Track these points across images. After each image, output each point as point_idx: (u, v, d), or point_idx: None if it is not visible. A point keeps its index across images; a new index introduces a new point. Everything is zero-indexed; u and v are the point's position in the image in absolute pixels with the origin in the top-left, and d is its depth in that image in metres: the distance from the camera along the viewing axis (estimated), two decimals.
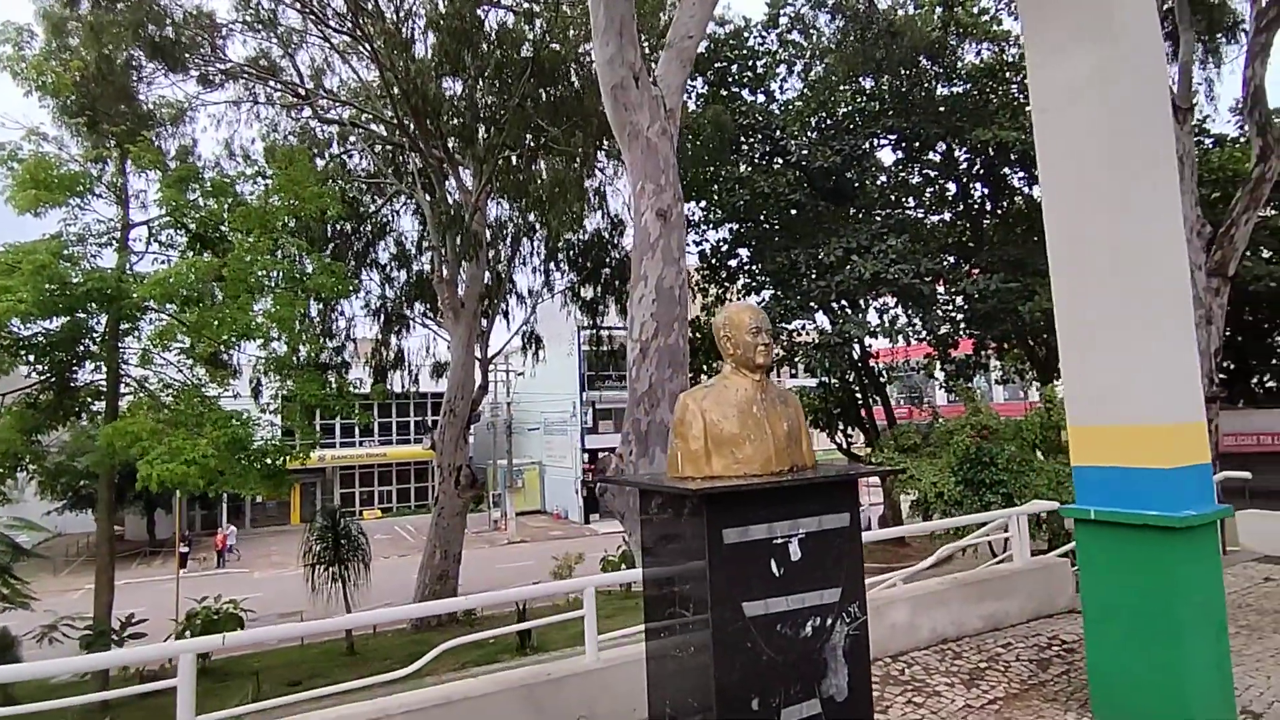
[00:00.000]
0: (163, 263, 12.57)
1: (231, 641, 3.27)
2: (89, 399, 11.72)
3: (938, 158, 19.52)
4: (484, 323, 19.45)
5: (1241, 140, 18.20)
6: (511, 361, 36.74)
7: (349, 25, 14.95)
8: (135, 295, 10.11)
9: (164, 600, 18.59)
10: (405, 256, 21.24)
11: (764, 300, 18.67)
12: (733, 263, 20.43)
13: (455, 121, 14.93)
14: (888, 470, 2.72)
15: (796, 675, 2.27)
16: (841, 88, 18.70)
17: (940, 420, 15.09)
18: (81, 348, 11.49)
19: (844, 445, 22.82)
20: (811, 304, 16.90)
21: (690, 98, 19.08)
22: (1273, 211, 16.39)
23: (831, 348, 15.34)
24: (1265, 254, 17.55)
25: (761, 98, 18.99)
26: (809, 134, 17.91)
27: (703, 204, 20.03)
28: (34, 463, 10.56)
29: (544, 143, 15.14)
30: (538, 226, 20.25)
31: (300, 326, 14.74)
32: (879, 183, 19.44)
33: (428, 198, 16.47)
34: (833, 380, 20.85)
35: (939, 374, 23.10)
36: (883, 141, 19.11)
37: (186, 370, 12.83)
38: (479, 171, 16.30)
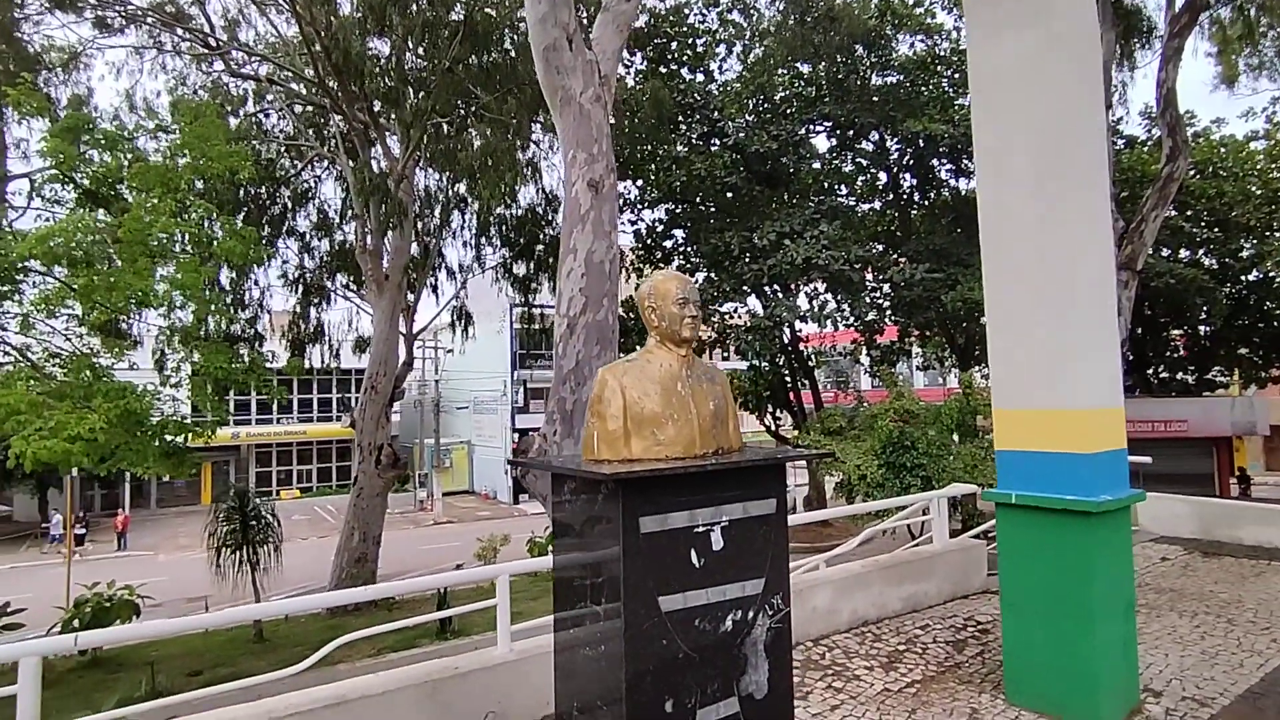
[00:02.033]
0: (48, 220, 11.49)
1: (86, 640, 2.90)
2: None
3: (870, 147, 19.82)
4: (410, 297, 18.73)
5: (1150, 143, 19.19)
6: (441, 338, 35.79)
7: None
8: (13, 255, 9.13)
9: (55, 586, 17.32)
10: (327, 225, 20.19)
11: (698, 282, 18.63)
12: (668, 243, 20.29)
13: (381, 84, 14.13)
14: (816, 454, 2.58)
15: (714, 673, 2.11)
16: (780, 72, 18.70)
17: (865, 405, 15.43)
18: None
19: (772, 428, 23.16)
20: (744, 287, 16.94)
21: (629, 73, 18.75)
22: (1173, 212, 17.34)
23: (762, 331, 15.42)
24: (1164, 252, 18.62)
25: (701, 77, 18.79)
26: (747, 117, 17.86)
27: (639, 183, 19.78)
28: None
29: (475, 110, 14.54)
30: (469, 199, 19.57)
31: (209, 295, 13.80)
32: (813, 169, 19.61)
33: (350, 163, 15.62)
34: (763, 363, 21.06)
35: (865, 359, 23.71)
36: (818, 128, 19.24)
37: (76, 339, 11.81)
38: (406, 138, 15.56)
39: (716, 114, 16.99)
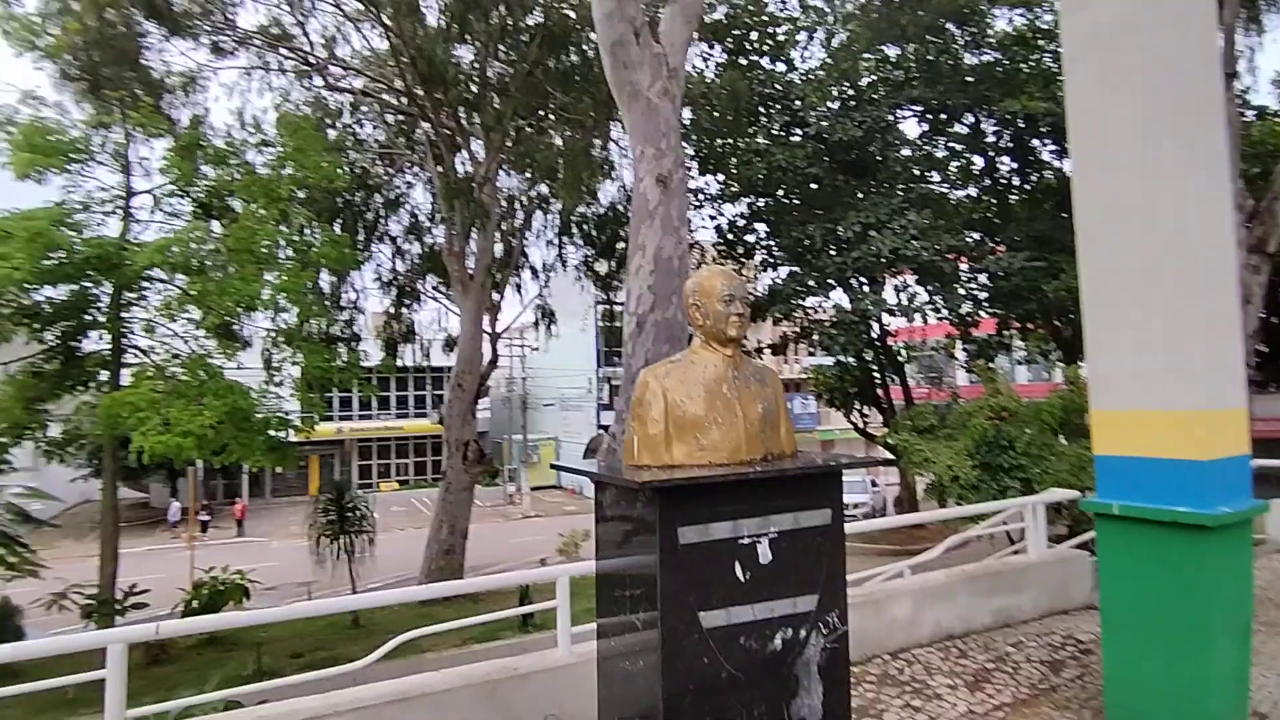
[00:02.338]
0: (168, 232, 12.44)
1: (167, 631, 3.06)
2: (95, 368, 11.65)
3: (964, 130, 18.79)
4: (495, 296, 19.22)
5: None
6: (527, 336, 36.65)
7: None
8: (135, 263, 9.93)
9: (181, 568, 18.84)
10: (418, 229, 20.98)
11: (780, 276, 18.24)
12: (750, 238, 19.96)
13: (464, 90, 14.54)
14: (876, 461, 2.39)
15: (761, 695, 1.98)
16: (865, 56, 18.00)
17: (959, 401, 14.64)
18: (89, 316, 11.41)
19: (860, 425, 22.41)
20: (829, 280, 16.43)
21: (708, 67, 18.54)
22: None
23: (847, 325, 14.90)
24: None
25: (782, 66, 18.34)
26: (830, 105, 17.28)
27: (720, 177, 19.54)
28: (38, 431, 10.49)
29: (554, 111, 14.73)
30: (551, 199, 19.91)
31: (310, 298, 14.61)
32: (901, 156, 18.80)
33: (438, 168, 16.17)
34: (849, 359, 20.39)
35: (960, 354, 22.54)
36: (906, 113, 18.41)
37: (194, 341, 12.74)
38: (489, 141, 15.95)
39: (798, 103, 16.53)
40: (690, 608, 1.93)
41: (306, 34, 18.39)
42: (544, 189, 19.68)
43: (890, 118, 16.85)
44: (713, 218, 19.56)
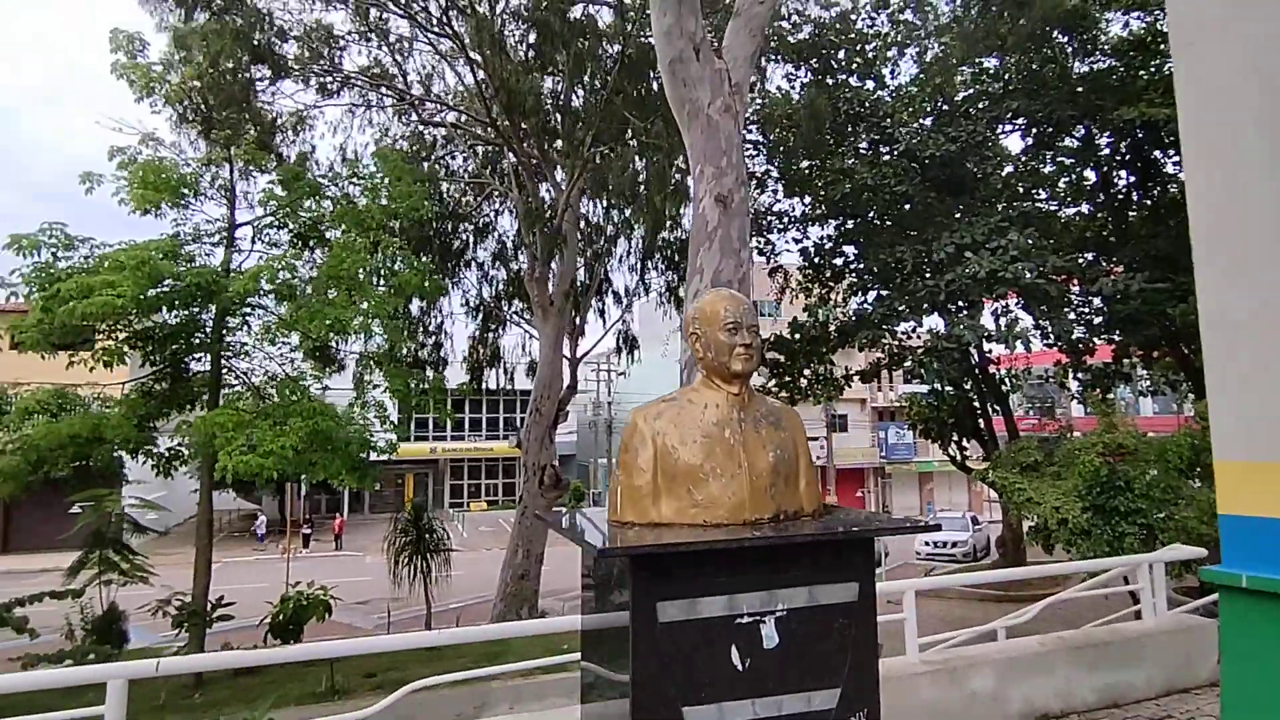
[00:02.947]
0: (270, 261, 13.14)
1: (166, 668, 2.97)
2: (201, 389, 12.37)
3: (1074, 143, 17.48)
4: (577, 322, 19.34)
5: None
6: (613, 361, 36.91)
7: (440, 23, 15.18)
8: (232, 290, 10.50)
9: (279, 579, 19.76)
10: (504, 256, 21.51)
11: (866, 301, 17.43)
12: (838, 261, 19.25)
13: (544, 119, 14.79)
14: (916, 527, 1.92)
15: None
16: (961, 70, 17.11)
17: (1068, 436, 13.38)
18: (195, 340, 12.15)
19: (957, 458, 21.01)
20: (925, 305, 15.52)
21: (794, 87, 18.13)
22: None
23: (940, 353, 13.96)
24: None
25: (870, 84, 17.71)
26: (922, 121, 16.48)
27: (807, 200, 19.00)
28: (147, 447, 11.21)
29: (631, 136, 14.73)
30: (634, 224, 19.97)
31: (397, 323, 15.11)
32: (1001, 173, 17.67)
33: (520, 196, 16.50)
34: (946, 387, 19.18)
35: (1073, 384, 20.79)
36: (1008, 127, 17.32)
37: (289, 364, 13.35)
38: (570, 168, 16.14)
39: (887, 120, 15.84)
40: (672, 702, 1.59)
41: (404, 73, 19.37)
42: (627, 214, 19.79)
43: (988, 132, 15.85)
44: (798, 240, 18.98)
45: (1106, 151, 16.98)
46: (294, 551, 28.80)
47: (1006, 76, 16.18)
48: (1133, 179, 17.38)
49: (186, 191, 10.94)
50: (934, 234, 14.29)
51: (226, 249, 11.89)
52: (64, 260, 9.81)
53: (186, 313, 11.51)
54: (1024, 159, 17.86)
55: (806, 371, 19.11)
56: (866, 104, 16.73)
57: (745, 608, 1.68)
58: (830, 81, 17.55)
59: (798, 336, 18.28)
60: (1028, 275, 12.29)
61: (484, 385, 20.96)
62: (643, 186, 14.64)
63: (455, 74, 20.14)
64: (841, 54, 17.76)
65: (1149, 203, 17.48)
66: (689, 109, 5.77)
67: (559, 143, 16.42)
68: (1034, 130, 17.13)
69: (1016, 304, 15.16)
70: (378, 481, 13.44)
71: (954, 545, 25.24)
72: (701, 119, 5.73)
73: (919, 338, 18.69)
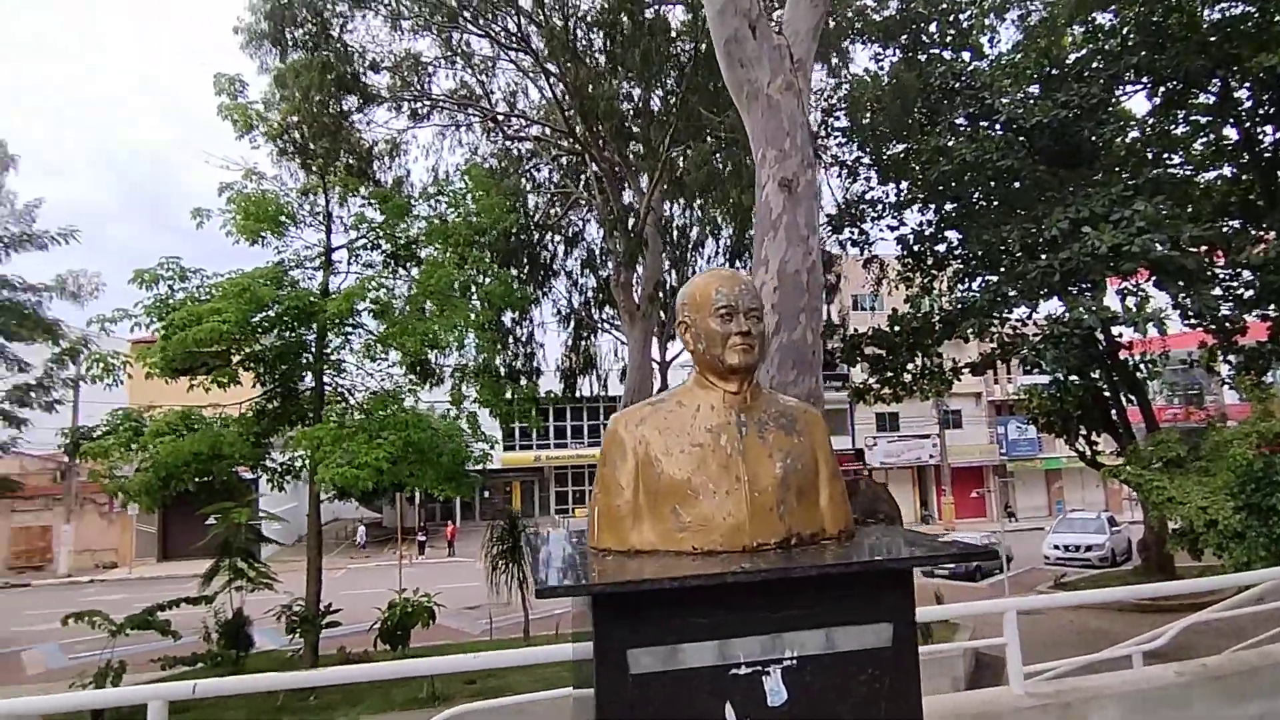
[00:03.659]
0: (367, 282, 13.72)
1: (203, 690, 2.95)
2: (309, 406, 13.04)
3: (1209, 99, 15.62)
4: (665, 325, 19.17)
5: None
6: None
7: (518, 39, 15.42)
8: (328, 311, 11.00)
9: (391, 585, 20.65)
10: (592, 263, 21.68)
11: (971, 288, 16.24)
12: (940, 248, 18.10)
13: (621, 122, 14.73)
14: (974, 551, 1.51)
15: None
16: (1071, 30, 15.66)
17: (1216, 426, 11.86)
18: (302, 360, 12.83)
19: (1087, 453, 19.21)
20: (1038, 288, 14.27)
21: (883, 68, 17.21)
22: None
23: (1058, 339, 12.74)
24: None
25: (966, 55, 16.54)
26: (1027, 88, 15.18)
27: (903, 185, 17.99)
28: (262, 462, 11.93)
29: (709, 133, 14.41)
30: (722, 223, 19.65)
31: (489, 335, 15.46)
32: (1127, 139, 16.02)
33: (602, 202, 16.53)
34: (1068, 377, 17.58)
35: (1224, 367, 18.55)
36: (1130, 88, 15.70)
37: (388, 379, 13.86)
38: (651, 171, 16.01)
39: (986, 93, 14.69)
40: None
41: (488, 93, 19.91)
42: (714, 214, 19.47)
43: (1106, 95, 14.39)
44: (893, 228, 17.97)
45: (1248, 105, 15.05)
46: (410, 558, 30.14)
47: (1124, 31, 14.63)
48: None
49: (285, 220, 11.55)
50: (1045, 210, 13.07)
51: (324, 272, 12.48)
52: (180, 291, 10.61)
53: (291, 334, 12.17)
54: (1150, 121, 16.11)
55: (910, 365, 18.06)
56: (962, 77, 15.60)
57: (743, 655, 1.36)
58: (921, 58, 16.53)
59: (898, 329, 17.30)
60: (1158, 248, 10.97)
61: (578, 393, 21.14)
62: (712, 180, 14.29)
63: (537, 89, 20.57)
64: (933, 27, 16.70)
65: None
66: (747, 90, 5.43)
67: (638, 146, 16.33)
68: (1160, 88, 15.43)
69: (1149, 281, 13.64)
70: (486, 490, 13.79)
71: (1088, 549, 23.08)
72: (761, 100, 5.36)
73: (1035, 325, 17.24)
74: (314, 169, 12.71)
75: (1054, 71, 15.47)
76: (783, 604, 1.39)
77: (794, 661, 1.38)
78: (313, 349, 12.79)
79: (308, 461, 10.75)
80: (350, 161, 16.39)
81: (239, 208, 10.90)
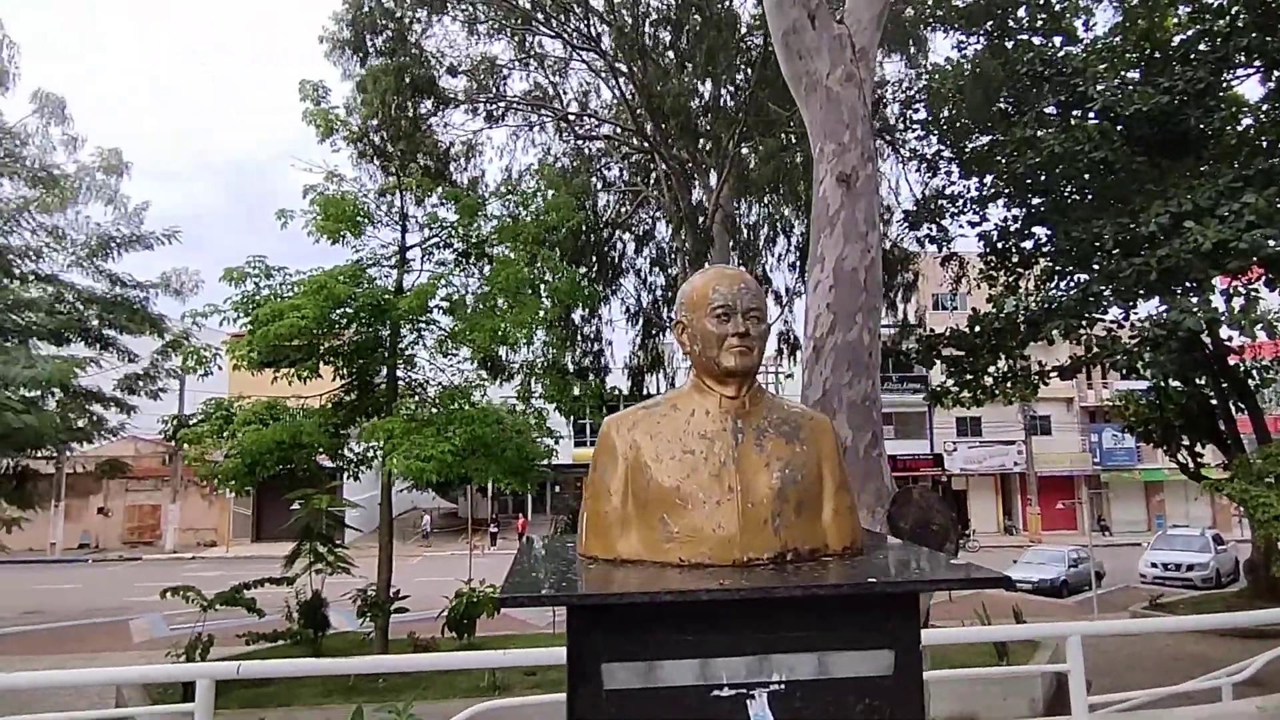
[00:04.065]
0: (440, 280, 14.12)
1: (247, 671, 3.07)
2: (383, 399, 13.54)
3: None
4: None
5: None
6: (781, 364, 35.94)
7: (588, 39, 15.53)
8: (400, 308, 11.37)
9: (462, 575, 21.26)
10: (662, 261, 21.67)
11: (1058, 286, 15.32)
12: (1026, 244, 17.15)
13: (689, 119, 14.63)
14: (989, 578, 1.34)
15: None
16: (1174, 9, 14.54)
17: None
18: (378, 354, 13.32)
19: (1189, 465, 17.85)
20: (1134, 287, 13.32)
21: (965, 57, 16.44)
22: None
23: (1157, 342, 11.86)
24: None
25: (1058, 40, 15.60)
26: (1125, 74, 14.19)
27: (986, 179, 17.15)
28: (338, 451, 12.45)
29: (777, 130, 14.14)
30: (795, 221, 19.30)
31: (558, 332, 15.68)
32: (1239, 127, 14.75)
33: (670, 200, 16.48)
34: (1169, 382, 16.37)
35: None
36: (1239, 72, 14.44)
37: (459, 374, 14.23)
38: (719, 168, 15.85)
39: (1078, 79, 13.81)
40: None
41: (560, 94, 20.18)
42: (786, 212, 19.14)
43: (1214, 79, 13.28)
44: (974, 224, 17.17)
45: None
46: (482, 549, 30.96)
47: (1233, 10, 13.46)
48: None
49: (363, 220, 12.01)
50: (1143, 204, 12.18)
51: (399, 269, 12.90)
52: (265, 288, 11.20)
53: (367, 330, 12.65)
54: (1264, 108, 14.78)
55: (992, 368, 17.22)
56: (1053, 63, 14.72)
57: (726, 676, 1.28)
58: (1008, 44, 15.69)
59: (978, 329, 16.50)
60: (1270, 245, 10.04)
61: (645, 390, 21.19)
62: (780, 175, 14.00)
63: (608, 88, 20.71)
64: (1021, 10, 15.83)
65: None
66: (806, 82, 5.26)
67: (706, 144, 16.20)
68: (1274, 72, 14.13)
69: (1260, 280, 12.52)
70: (557, 484, 13.98)
71: (1190, 569, 21.48)
72: (820, 92, 5.18)
73: (1132, 327, 16.13)
74: (391, 170, 13.16)
75: (1156, 55, 14.41)
76: (772, 623, 1.31)
77: (782, 686, 1.29)
78: (387, 344, 13.27)
79: (379, 453, 11.15)
80: (427, 163, 16.91)
81: (320, 209, 11.40)
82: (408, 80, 13.27)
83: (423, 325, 13.52)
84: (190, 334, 14.80)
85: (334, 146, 12.61)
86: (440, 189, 14.38)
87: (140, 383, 16.58)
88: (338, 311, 11.29)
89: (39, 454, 14.79)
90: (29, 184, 14.82)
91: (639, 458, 1.48)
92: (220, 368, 12.12)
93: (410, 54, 13.70)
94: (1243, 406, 16.44)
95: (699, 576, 1.34)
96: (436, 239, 13.32)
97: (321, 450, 12.30)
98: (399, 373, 13.60)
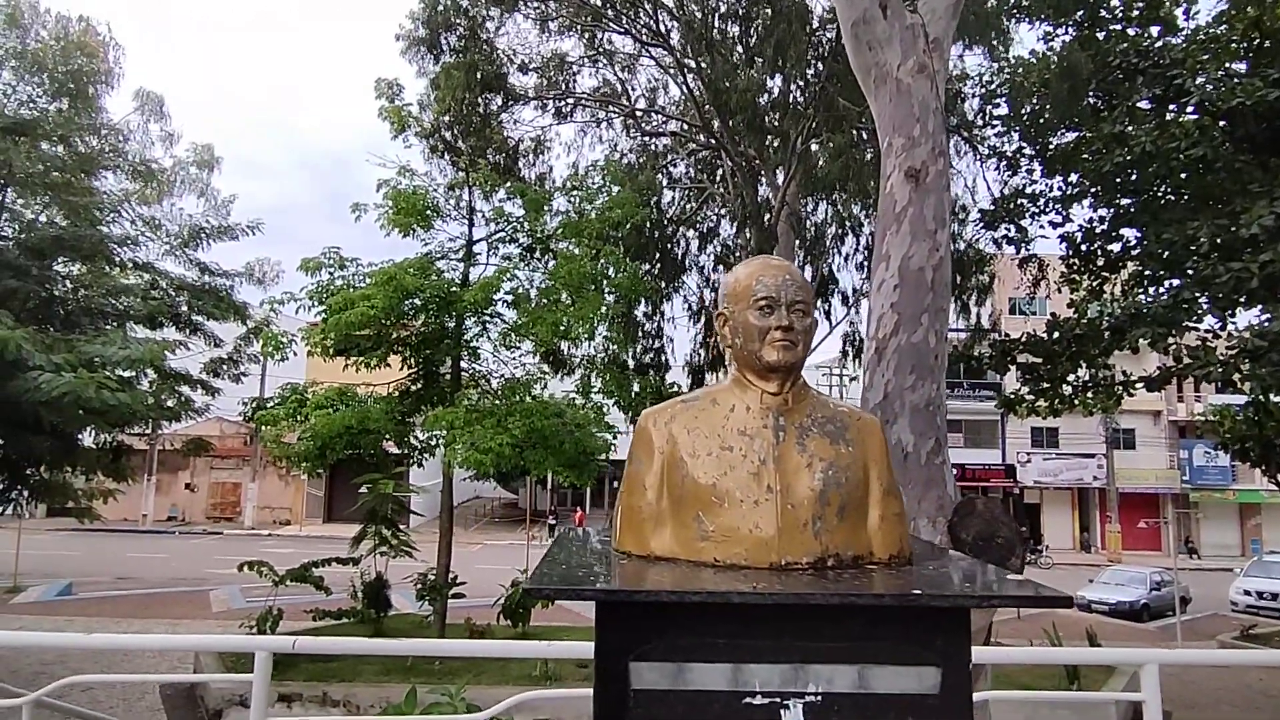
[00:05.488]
0: (506, 273, 14.37)
1: (302, 646, 3.16)
2: (448, 389, 13.87)
3: None
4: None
5: None
6: (848, 366, 35.17)
7: (657, 35, 15.49)
8: (464, 300, 11.63)
9: (522, 563, 21.62)
10: (726, 259, 21.48)
11: (1146, 292, 14.44)
12: (1115, 246, 16.23)
13: (755, 115, 14.42)
14: (1049, 597, 1.22)
15: None
16: None
17: None
18: (444, 345, 13.65)
19: None
20: (1233, 294, 12.42)
21: (1053, 49, 15.66)
22: None
23: (1258, 354, 11.04)
24: None
25: (1155, 30, 14.67)
26: (1228, 65, 13.25)
27: (1072, 177, 16.31)
28: (403, 439, 12.83)
29: (848, 125, 13.78)
30: (864, 220, 18.84)
31: (619, 328, 15.75)
32: None
33: (736, 197, 16.32)
34: (1270, 397, 15.21)
35: None
36: None
37: (522, 367, 14.46)
38: (785, 164, 15.59)
39: (1175, 71, 12.96)
40: None
41: (628, 90, 20.22)
42: (855, 210, 18.69)
43: None
44: (1055, 225, 16.37)
45: None
46: (541, 539, 31.44)
47: None
48: None
49: (432, 214, 12.31)
50: (1245, 205, 11.34)
51: (465, 263, 13.18)
52: (339, 279, 11.63)
53: (434, 321, 12.98)
54: None
55: (1071, 376, 16.37)
56: (1149, 54, 13.86)
57: (759, 684, 1.22)
58: (1099, 35, 14.84)
59: (1057, 335, 15.70)
60: None
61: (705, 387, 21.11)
62: (865, 177, 13.65)
63: (676, 84, 20.63)
64: (1114, 1, 14.95)
65: None
66: (875, 74, 5.08)
67: (774, 141, 15.95)
68: None
69: None
70: (616, 480, 14.05)
71: None
72: (890, 84, 5.00)
73: (1229, 336, 15.04)
74: (461, 166, 13.45)
75: (1265, 45, 13.36)
76: (810, 631, 1.24)
77: (819, 698, 1.23)
78: (452, 335, 13.58)
79: (441, 442, 11.44)
80: (496, 159, 17.21)
81: (392, 202, 11.75)
82: (479, 77, 13.54)
83: (487, 318, 13.79)
84: (270, 321, 15.52)
85: (406, 143, 12.97)
86: (508, 184, 14.66)
87: (224, 366, 17.48)
88: (406, 302, 11.65)
89: (133, 431, 15.75)
90: (130, 177, 15.80)
91: (675, 452, 1.44)
92: (296, 354, 12.64)
93: (482, 51, 13.97)
94: None
95: (733, 578, 1.29)
96: (502, 233, 13.57)
97: (388, 437, 12.71)
98: (463, 364, 13.94)
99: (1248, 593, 20.93)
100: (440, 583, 12.40)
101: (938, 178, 4.86)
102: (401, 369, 13.53)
